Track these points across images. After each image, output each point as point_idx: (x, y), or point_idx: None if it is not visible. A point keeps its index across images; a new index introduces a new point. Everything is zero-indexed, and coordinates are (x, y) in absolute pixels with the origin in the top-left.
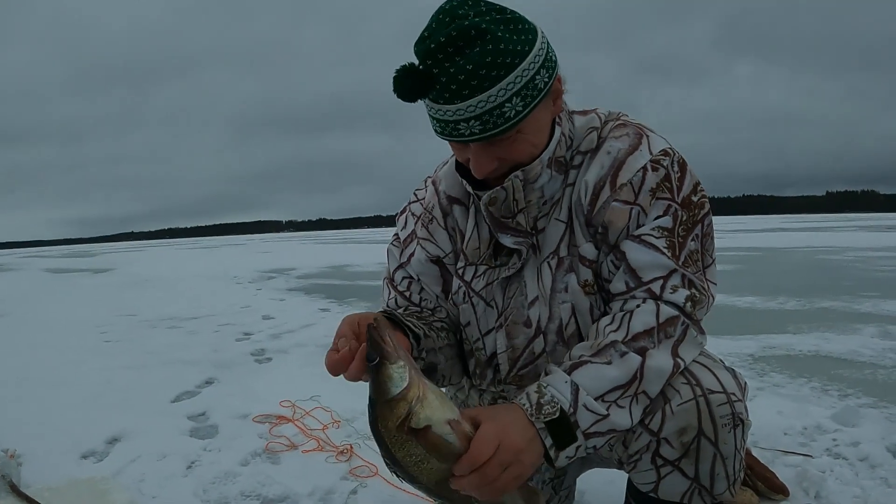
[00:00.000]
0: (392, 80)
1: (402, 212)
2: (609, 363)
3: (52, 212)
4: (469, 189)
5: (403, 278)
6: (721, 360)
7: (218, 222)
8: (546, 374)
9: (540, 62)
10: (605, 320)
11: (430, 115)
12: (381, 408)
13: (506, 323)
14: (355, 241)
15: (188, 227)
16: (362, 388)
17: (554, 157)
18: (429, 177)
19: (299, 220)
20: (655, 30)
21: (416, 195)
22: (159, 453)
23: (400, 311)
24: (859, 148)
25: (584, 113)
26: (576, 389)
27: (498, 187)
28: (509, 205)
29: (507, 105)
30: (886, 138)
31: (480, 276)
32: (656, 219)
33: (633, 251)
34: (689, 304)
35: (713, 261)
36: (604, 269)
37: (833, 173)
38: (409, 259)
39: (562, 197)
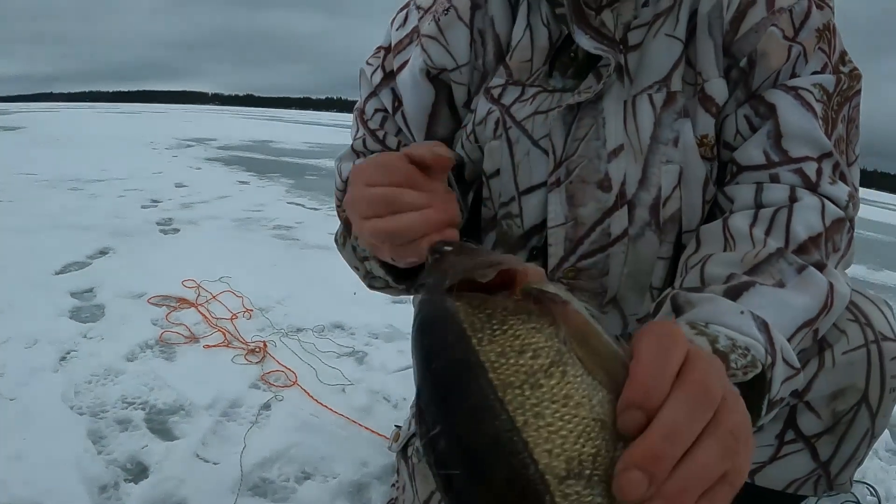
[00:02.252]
0: None
1: (403, 7)
2: (783, 285)
3: None
4: None
5: (377, 111)
6: None
7: (142, 89)
8: (681, 304)
9: None
10: (743, 218)
11: None
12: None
13: (567, 178)
14: (282, 119)
15: (110, 91)
16: (280, 272)
17: None
18: None
19: (226, 93)
20: None
21: None
22: (29, 338)
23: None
24: None
25: None
26: (764, 327)
27: None
28: None
29: None
30: None
31: (528, 100)
32: (814, 74)
33: (788, 108)
34: (851, 205)
35: (856, 158)
36: (728, 126)
37: None
38: (395, 73)
39: (677, 4)
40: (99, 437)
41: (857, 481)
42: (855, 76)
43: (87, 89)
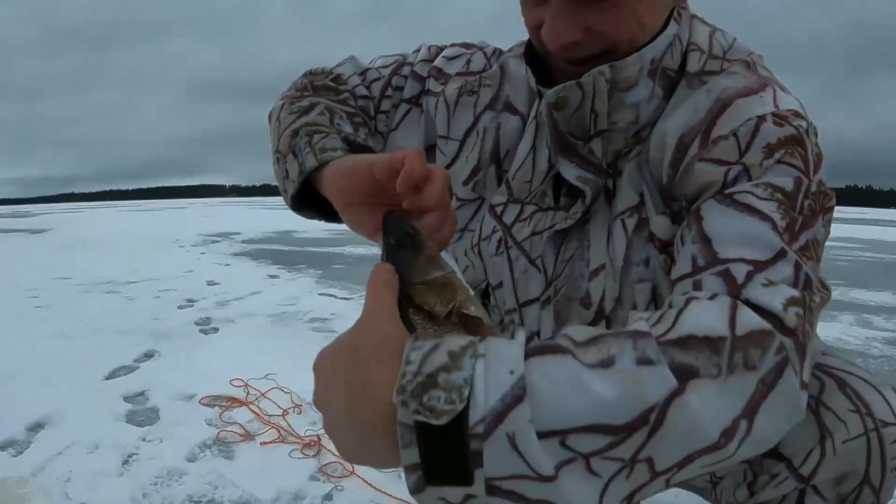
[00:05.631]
0: None
1: (465, 45)
2: (605, 367)
3: None
4: (531, 82)
5: (412, 80)
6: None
7: (161, 185)
8: (487, 339)
9: None
10: (642, 312)
11: None
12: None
13: (555, 297)
14: None
15: (130, 189)
16: None
17: (661, 66)
18: (498, 53)
19: (243, 185)
20: None
21: (489, 51)
22: (90, 444)
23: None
24: None
25: (712, 27)
26: (518, 398)
27: (572, 82)
28: (584, 117)
29: None
30: None
31: (526, 220)
32: (758, 179)
33: (714, 213)
34: (792, 312)
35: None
36: (675, 245)
37: None
38: (425, 87)
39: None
40: None
41: None
42: (829, 195)
43: (106, 188)
